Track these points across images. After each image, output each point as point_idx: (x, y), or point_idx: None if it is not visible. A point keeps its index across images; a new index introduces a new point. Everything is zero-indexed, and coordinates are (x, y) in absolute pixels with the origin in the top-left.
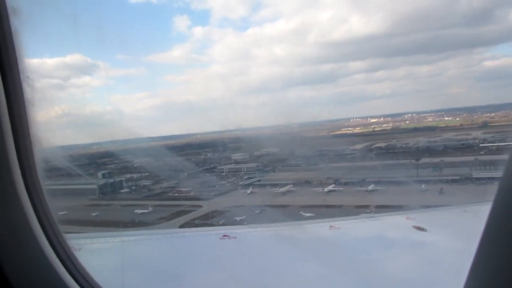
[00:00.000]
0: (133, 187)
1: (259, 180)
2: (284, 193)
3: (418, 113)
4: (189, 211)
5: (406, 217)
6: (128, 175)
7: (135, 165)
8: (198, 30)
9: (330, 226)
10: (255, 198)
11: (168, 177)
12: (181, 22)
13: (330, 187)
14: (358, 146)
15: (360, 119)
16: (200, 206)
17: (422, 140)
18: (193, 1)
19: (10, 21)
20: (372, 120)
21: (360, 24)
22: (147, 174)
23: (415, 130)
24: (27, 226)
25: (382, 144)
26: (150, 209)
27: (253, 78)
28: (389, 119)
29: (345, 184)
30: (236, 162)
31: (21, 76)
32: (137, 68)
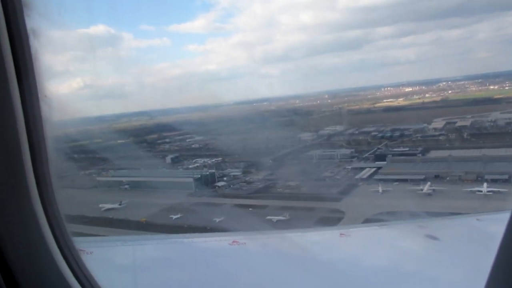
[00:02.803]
0: (225, 178)
1: (375, 173)
2: (430, 194)
3: (451, 80)
4: (335, 219)
5: (418, 225)
6: (199, 160)
7: (192, 145)
8: None
9: (341, 234)
10: (400, 201)
11: (249, 164)
12: None
13: (485, 187)
14: (437, 125)
15: (392, 88)
16: (341, 212)
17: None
18: None
19: (30, 43)
20: (407, 89)
21: None
22: (219, 158)
23: (476, 102)
24: (37, 228)
25: (465, 123)
26: (287, 216)
27: (278, 46)
28: (424, 87)
29: (496, 182)
30: (325, 147)
31: (39, 95)
32: (161, 39)
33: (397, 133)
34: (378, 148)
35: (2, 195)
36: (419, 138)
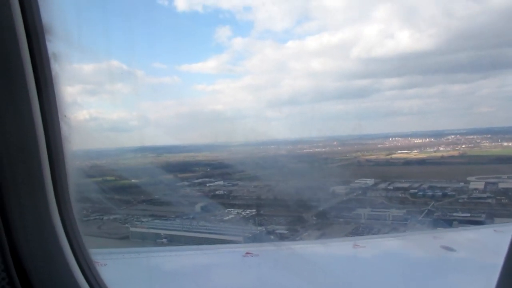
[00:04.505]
0: (272, 237)
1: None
2: None
3: (457, 133)
4: None
5: (434, 236)
6: (232, 210)
7: (216, 191)
8: (238, 41)
9: (355, 245)
10: None
11: (291, 219)
12: (222, 33)
13: None
14: (476, 185)
15: (401, 138)
16: None
17: None
18: (238, 12)
19: (51, 66)
20: (417, 141)
21: (409, 41)
22: (253, 209)
23: (500, 160)
24: (55, 239)
25: (508, 185)
26: None
27: (287, 90)
28: (432, 139)
29: None
30: (365, 203)
31: (59, 115)
32: (171, 77)
33: (439, 192)
34: (429, 210)
35: (22, 207)
36: (466, 200)
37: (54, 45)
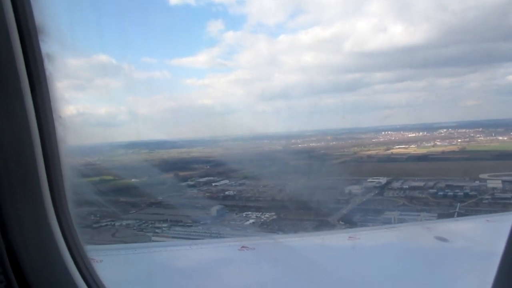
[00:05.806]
0: None
1: None
2: None
3: (446, 127)
4: None
5: (427, 227)
6: (250, 214)
7: (226, 192)
8: (230, 35)
9: (349, 237)
10: None
11: (316, 224)
12: (214, 27)
13: None
14: (494, 183)
15: (393, 132)
16: None
17: None
18: (232, 6)
19: (45, 66)
20: (410, 135)
21: (402, 35)
22: (272, 212)
23: (503, 156)
24: (51, 236)
25: None
26: None
27: (277, 84)
28: (425, 133)
29: None
30: (386, 204)
31: (54, 116)
32: (161, 71)
33: (459, 192)
34: (459, 213)
35: (18, 206)
36: (491, 200)
37: (48, 46)
